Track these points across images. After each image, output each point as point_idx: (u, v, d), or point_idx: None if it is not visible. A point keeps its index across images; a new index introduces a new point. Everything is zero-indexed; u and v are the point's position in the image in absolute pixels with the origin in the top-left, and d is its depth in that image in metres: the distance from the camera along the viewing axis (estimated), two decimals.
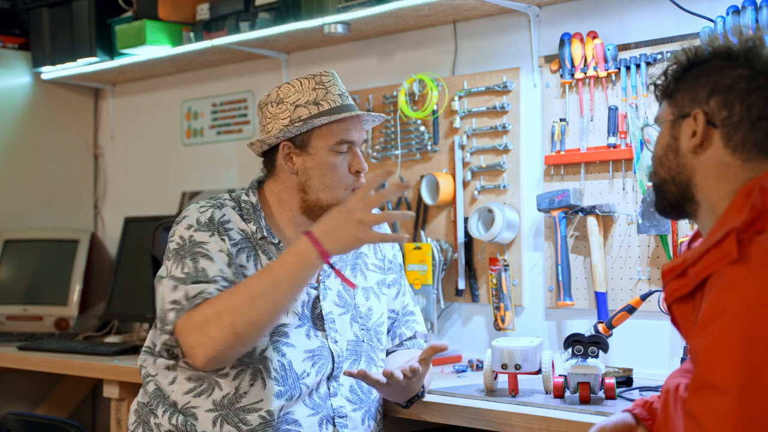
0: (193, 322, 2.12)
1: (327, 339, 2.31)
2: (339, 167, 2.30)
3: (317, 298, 2.33)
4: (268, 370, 2.21)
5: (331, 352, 2.30)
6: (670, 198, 1.73)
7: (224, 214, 2.29)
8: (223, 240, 2.25)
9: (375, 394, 2.37)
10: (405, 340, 2.51)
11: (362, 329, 2.38)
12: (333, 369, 2.29)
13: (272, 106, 2.32)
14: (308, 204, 2.32)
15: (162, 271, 2.26)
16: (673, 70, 1.73)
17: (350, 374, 2.24)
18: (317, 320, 2.32)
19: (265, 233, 2.30)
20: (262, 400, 2.21)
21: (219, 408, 2.21)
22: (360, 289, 2.41)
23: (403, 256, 3.06)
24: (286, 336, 2.25)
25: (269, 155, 2.36)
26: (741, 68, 1.65)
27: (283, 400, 2.22)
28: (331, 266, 2.18)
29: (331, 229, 2.09)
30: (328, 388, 2.29)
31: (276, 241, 2.31)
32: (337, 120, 2.29)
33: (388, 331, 2.48)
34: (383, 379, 2.21)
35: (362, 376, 2.21)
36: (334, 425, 2.28)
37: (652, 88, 1.78)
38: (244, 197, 2.35)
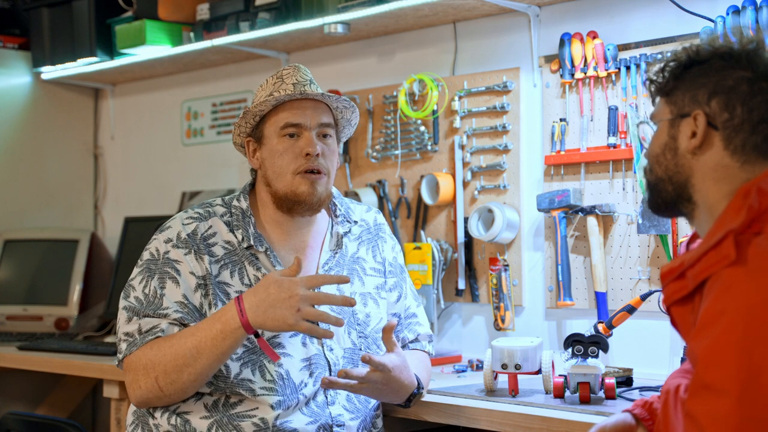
0: (131, 364, 2.18)
1: (323, 347, 2.29)
2: (287, 152, 2.27)
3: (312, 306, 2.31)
4: (252, 390, 2.19)
5: (327, 361, 2.29)
6: (666, 197, 1.73)
7: (210, 226, 2.29)
8: (200, 259, 2.24)
9: (371, 403, 2.36)
10: (408, 343, 2.50)
11: (360, 337, 2.36)
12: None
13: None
14: (273, 197, 2.31)
15: (131, 276, 2.28)
16: (672, 68, 1.72)
17: (329, 385, 2.18)
18: None
19: (252, 241, 2.28)
20: (257, 408, 2.20)
21: (213, 413, 2.20)
22: (358, 294, 2.40)
23: (404, 256, 3.05)
24: (281, 347, 2.24)
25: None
26: (743, 70, 1.64)
27: (280, 410, 2.20)
28: (256, 336, 2.15)
29: (264, 305, 2.08)
30: (326, 396, 2.27)
31: (263, 249, 2.29)
32: (283, 104, 2.28)
33: None
34: (364, 371, 2.17)
35: (343, 376, 2.16)
36: None
37: (648, 84, 1.77)
38: (235, 203, 2.34)
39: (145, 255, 2.29)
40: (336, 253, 2.39)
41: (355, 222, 2.45)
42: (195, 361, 2.12)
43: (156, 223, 3.39)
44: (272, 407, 2.19)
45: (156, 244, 2.28)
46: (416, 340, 2.51)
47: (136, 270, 2.29)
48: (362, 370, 2.17)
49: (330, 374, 2.27)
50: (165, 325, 2.18)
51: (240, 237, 2.29)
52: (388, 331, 2.22)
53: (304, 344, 2.27)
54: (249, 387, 2.20)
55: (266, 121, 2.31)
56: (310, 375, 2.25)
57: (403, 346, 2.49)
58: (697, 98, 1.67)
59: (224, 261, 2.26)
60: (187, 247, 2.24)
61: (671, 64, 1.72)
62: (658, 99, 1.76)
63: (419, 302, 2.56)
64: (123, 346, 2.21)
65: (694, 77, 1.68)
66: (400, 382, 2.25)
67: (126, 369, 2.21)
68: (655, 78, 1.74)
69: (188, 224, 2.28)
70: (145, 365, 2.16)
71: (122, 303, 2.25)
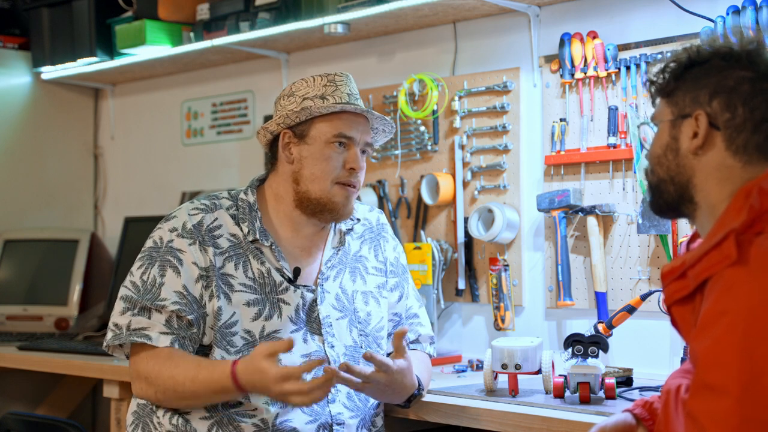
0: (134, 362, 2.22)
1: (324, 344, 2.29)
2: (332, 160, 2.29)
3: (314, 301, 2.31)
4: None
5: (328, 358, 2.28)
6: (668, 198, 1.73)
7: (216, 218, 2.29)
8: (204, 250, 2.24)
9: (371, 402, 2.36)
10: (408, 343, 2.49)
11: (361, 335, 2.36)
12: None
13: (284, 99, 2.34)
14: (299, 196, 2.31)
15: (134, 265, 2.29)
16: (673, 69, 1.72)
17: (330, 370, 2.13)
18: (314, 324, 2.30)
19: (258, 235, 2.29)
20: (256, 408, 2.20)
21: (213, 413, 2.20)
22: (359, 293, 2.40)
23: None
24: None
25: (273, 148, 2.36)
26: (744, 70, 1.64)
27: (277, 407, 2.20)
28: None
29: (258, 388, 2.09)
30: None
31: (268, 243, 2.30)
32: (337, 113, 2.29)
33: (390, 335, 2.46)
34: (367, 369, 2.16)
35: (345, 369, 2.13)
36: None
37: (648, 85, 1.77)
38: (242, 196, 2.35)
39: (149, 243, 2.30)
40: (339, 250, 2.40)
41: (358, 219, 2.45)
42: (195, 400, 2.19)
43: (156, 223, 3.39)
44: (270, 403, 2.19)
45: (160, 233, 2.29)
46: (417, 341, 2.51)
47: (137, 258, 2.30)
48: (365, 368, 2.17)
49: None
50: (155, 334, 2.18)
51: (246, 230, 2.29)
52: (399, 337, 2.22)
53: (305, 340, 2.27)
54: None
55: (316, 122, 2.30)
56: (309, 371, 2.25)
57: None
58: (698, 99, 1.67)
59: (229, 253, 2.27)
60: (191, 237, 2.25)
61: (672, 65, 1.72)
62: (658, 100, 1.76)
63: (421, 304, 2.56)
64: (109, 335, 2.25)
65: (695, 78, 1.68)
66: (403, 383, 2.25)
67: (131, 362, 2.24)
68: (655, 79, 1.74)
69: (194, 215, 2.28)
70: (147, 377, 2.19)
71: (121, 291, 2.27)
